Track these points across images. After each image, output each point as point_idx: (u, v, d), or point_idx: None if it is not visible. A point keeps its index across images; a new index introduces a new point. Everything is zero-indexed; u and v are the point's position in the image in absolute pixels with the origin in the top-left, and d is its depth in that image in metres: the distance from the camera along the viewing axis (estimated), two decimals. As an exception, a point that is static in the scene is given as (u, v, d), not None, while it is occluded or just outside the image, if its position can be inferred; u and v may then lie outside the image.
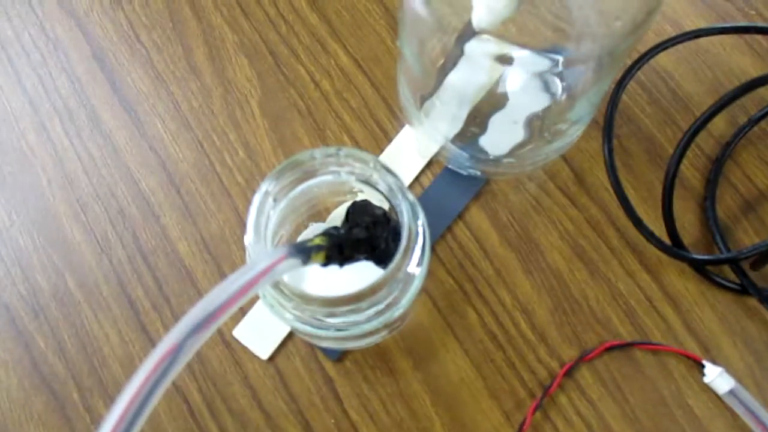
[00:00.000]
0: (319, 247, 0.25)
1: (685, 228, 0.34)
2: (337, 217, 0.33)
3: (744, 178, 0.35)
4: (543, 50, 0.30)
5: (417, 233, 0.27)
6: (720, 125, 0.36)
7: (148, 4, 0.38)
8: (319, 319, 0.26)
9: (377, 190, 0.27)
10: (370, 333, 0.28)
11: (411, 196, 0.27)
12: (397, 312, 0.27)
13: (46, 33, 0.38)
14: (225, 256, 0.34)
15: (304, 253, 0.25)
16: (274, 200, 0.27)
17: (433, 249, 0.33)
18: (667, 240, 0.33)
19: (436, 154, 0.34)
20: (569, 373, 0.32)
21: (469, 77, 0.27)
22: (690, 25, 0.38)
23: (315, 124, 0.36)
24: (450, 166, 0.34)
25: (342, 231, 0.27)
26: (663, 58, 0.37)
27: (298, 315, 0.26)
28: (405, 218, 0.26)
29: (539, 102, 0.29)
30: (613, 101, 0.34)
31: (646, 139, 0.36)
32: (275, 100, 0.36)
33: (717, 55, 0.37)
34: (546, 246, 0.34)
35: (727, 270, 0.33)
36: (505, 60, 0.27)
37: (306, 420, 0.31)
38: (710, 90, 0.37)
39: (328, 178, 0.28)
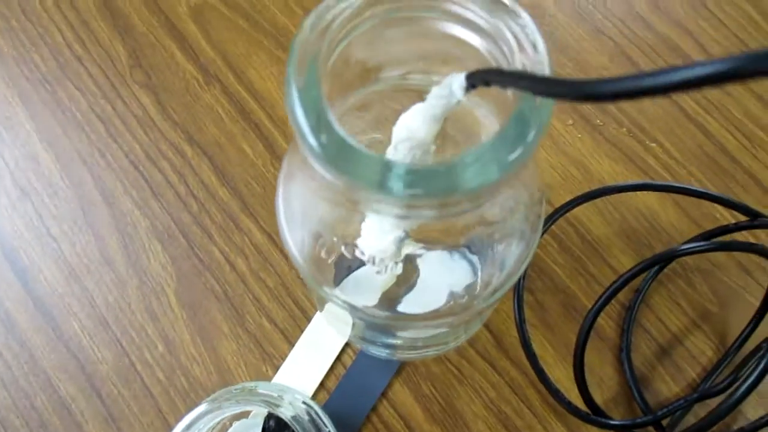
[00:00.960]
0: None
1: (604, 382, 0.35)
2: (260, 412, 0.33)
3: (657, 322, 0.36)
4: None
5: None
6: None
7: (57, 194, 0.38)
8: None
9: (284, 416, 0.28)
10: None
11: (315, 410, 0.28)
12: None
13: (-47, 235, 0.37)
14: (151, 461, 0.33)
15: None
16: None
17: (359, 432, 0.34)
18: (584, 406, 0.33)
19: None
20: None
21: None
22: (595, 165, 0.39)
23: (233, 309, 0.36)
24: (368, 353, 0.34)
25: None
26: (570, 205, 0.37)
27: None
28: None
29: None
30: (523, 259, 0.35)
31: (560, 291, 0.36)
32: (191, 287, 0.36)
33: (622, 195, 0.38)
34: (470, 417, 0.34)
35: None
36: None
37: None
38: (619, 231, 0.38)
39: (240, 408, 0.28)
